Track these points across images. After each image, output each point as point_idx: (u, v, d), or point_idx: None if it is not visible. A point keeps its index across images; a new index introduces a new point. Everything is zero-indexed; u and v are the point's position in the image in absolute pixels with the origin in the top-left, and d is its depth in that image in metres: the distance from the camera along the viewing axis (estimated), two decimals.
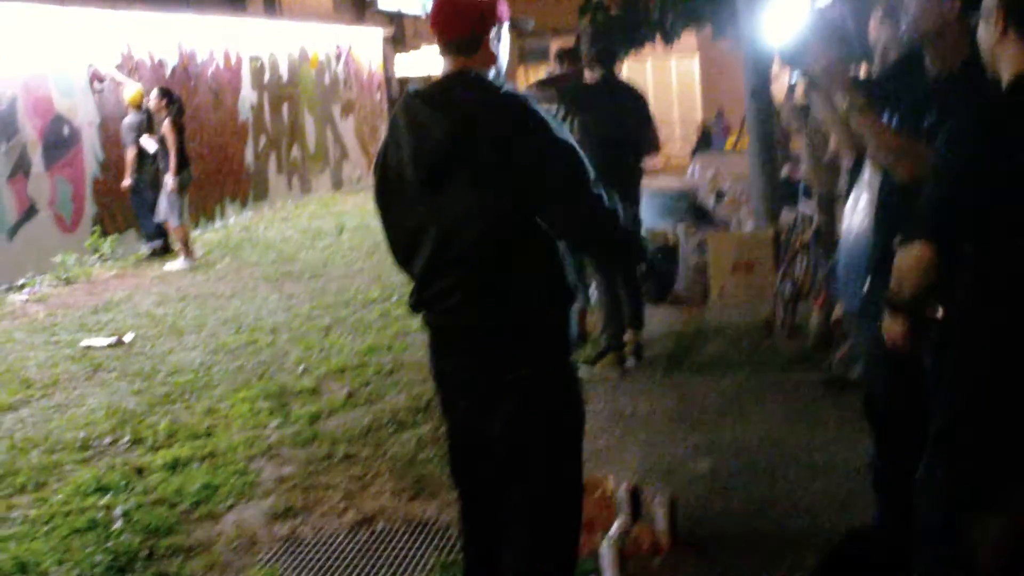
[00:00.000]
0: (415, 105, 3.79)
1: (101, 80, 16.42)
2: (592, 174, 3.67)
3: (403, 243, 3.94)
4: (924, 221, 3.47)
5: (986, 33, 3.53)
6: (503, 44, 3.87)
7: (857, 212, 4.92)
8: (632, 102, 8.79)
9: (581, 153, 3.67)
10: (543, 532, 3.91)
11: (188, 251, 14.98)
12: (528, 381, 3.80)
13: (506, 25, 3.86)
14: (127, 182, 15.55)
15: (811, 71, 4.51)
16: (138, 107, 15.54)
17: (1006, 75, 3.46)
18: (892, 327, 3.70)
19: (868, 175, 4.83)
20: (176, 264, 14.90)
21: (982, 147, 3.36)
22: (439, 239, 3.76)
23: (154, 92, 15.17)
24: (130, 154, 15.47)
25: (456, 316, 3.82)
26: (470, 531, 4.18)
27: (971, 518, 3.43)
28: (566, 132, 3.72)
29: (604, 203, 3.67)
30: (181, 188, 14.77)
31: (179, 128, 14.81)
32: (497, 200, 3.64)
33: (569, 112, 8.44)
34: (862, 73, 6.15)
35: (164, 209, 14.90)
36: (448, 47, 3.81)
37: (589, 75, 8.74)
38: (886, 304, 3.67)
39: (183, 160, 14.85)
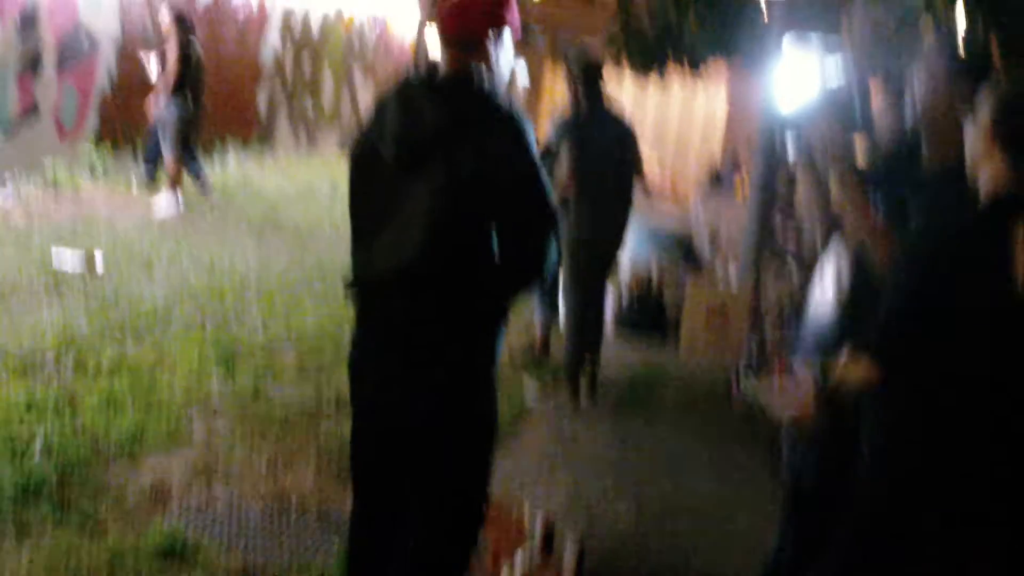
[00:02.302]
0: (410, 88, 3.84)
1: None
2: (553, 208, 3.78)
3: (363, 222, 3.97)
4: (875, 340, 3.41)
5: (974, 138, 3.46)
6: (505, 50, 3.93)
7: (821, 284, 4.91)
8: (619, 126, 8.70)
9: (548, 182, 3.78)
10: (442, 530, 4.02)
11: (175, 189, 14.09)
12: (450, 379, 3.85)
13: (509, 32, 3.93)
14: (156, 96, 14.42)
15: (809, 140, 4.44)
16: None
17: (984, 187, 3.39)
18: (806, 406, 3.67)
19: (836, 252, 4.81)
20: (162, 201, 14.06)
21: (937, 273, 3.30)
22: (397, 224, 3.78)
23: (165, 12, 14.28)
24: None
25: (392, 303, 3.84)
26: (363, 523, 4.22)
27: None
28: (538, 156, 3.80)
29: (552, 240, 3.77)
30: (180, 121, 13.95)
31: (186, 59, 13.88)
32: (462, 197, 3.69)
33: (562, 139, 8.35)
34: (860, 148, 6.09)
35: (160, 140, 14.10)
36: (448, 41, 3.87)
37: (576, 92, 8.59)
38: (815, 385, 3.63)
39: (183, 92, 13.93)
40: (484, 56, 3.87)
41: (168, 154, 14.10)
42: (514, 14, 3.96)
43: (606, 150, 8.47)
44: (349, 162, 3.99)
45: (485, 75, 3.84)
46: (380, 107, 3.91)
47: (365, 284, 3.95)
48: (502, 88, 3.87)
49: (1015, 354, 3.20)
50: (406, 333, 3.84)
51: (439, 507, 4.00)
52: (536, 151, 3.77)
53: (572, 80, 8.52)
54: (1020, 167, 3.29)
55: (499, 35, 3.90)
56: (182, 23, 14.11)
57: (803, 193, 4.69)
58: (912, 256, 3.45)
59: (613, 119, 8.76)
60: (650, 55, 16.52)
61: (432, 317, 3.79)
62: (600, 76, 8.57)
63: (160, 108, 14.02)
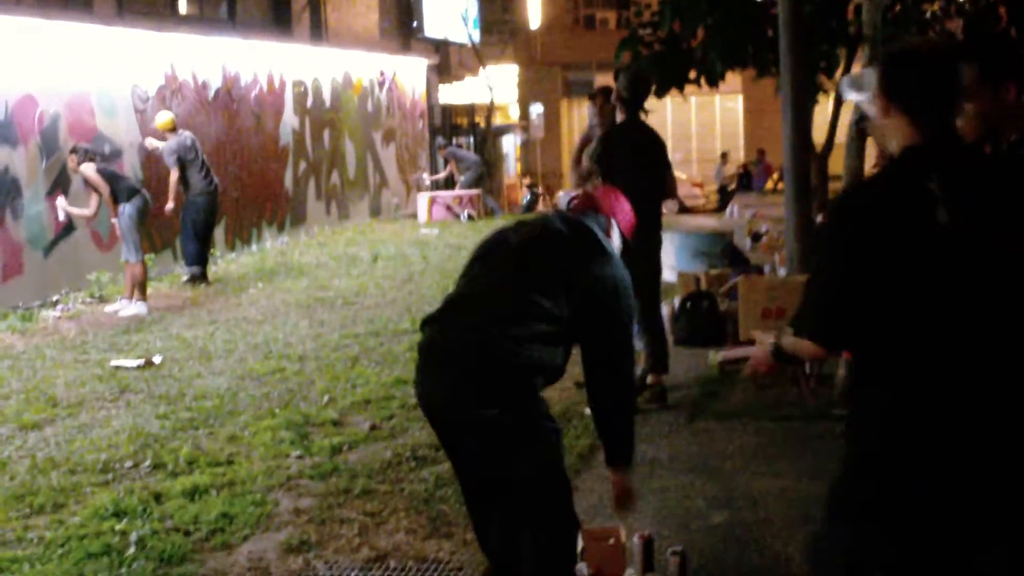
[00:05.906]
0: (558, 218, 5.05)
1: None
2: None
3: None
4: (804, 319, 3.45)
5: (872, 110, 3.48)
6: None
7: None
8: (653, 148, 8.77)
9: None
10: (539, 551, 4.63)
11: (142, 293, 13.79)
12: (499, 421, 4.50)
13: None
14: (170, 205, 15.29)
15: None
16: (173, 130, 15.37)
17: (895, 149, 3.41)
18: (763, 361, 3.73)
19: None
20: (123, 308, 13.68)
21: (852, 237, 3.30)
22: (494, 280, 4.75)
23: (71, 157, 13.93)
24: (173, 176, 15.25)
25: (464, 335, 4.56)
26: (480, 530, 4.97)
27: None
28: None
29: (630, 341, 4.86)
30: (139, 217, 13.76)
31: (104, 174, 13.73)
32: (560, 292, 4.59)
33: (604, 155, 8.41)
34: None
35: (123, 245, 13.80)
36: None
37: (619, 116, 8.73)
38: (772, 346, 3.65)
39: (131, 190, 13.80)
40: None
41: (133, 257, 13.70)
42: None
43: (644, 160, 8.57)
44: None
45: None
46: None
47: (443, 317, 4.81)
48: None
49: (954, 288, 3.22)
50: (468, 367, 4.57)
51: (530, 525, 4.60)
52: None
53: (620, 99, 8.63)
54: (918, 119, 3.31)
55: None
56: (74, 151, 13.91)
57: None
58: (825, 239, 3.50)
59: (649, 132, 8.92)
60: (667, 78, 16.59)
61: (495, 356, 4.53)
62: (647, 95, 8.78)
63: (118, 218, 13.80)
